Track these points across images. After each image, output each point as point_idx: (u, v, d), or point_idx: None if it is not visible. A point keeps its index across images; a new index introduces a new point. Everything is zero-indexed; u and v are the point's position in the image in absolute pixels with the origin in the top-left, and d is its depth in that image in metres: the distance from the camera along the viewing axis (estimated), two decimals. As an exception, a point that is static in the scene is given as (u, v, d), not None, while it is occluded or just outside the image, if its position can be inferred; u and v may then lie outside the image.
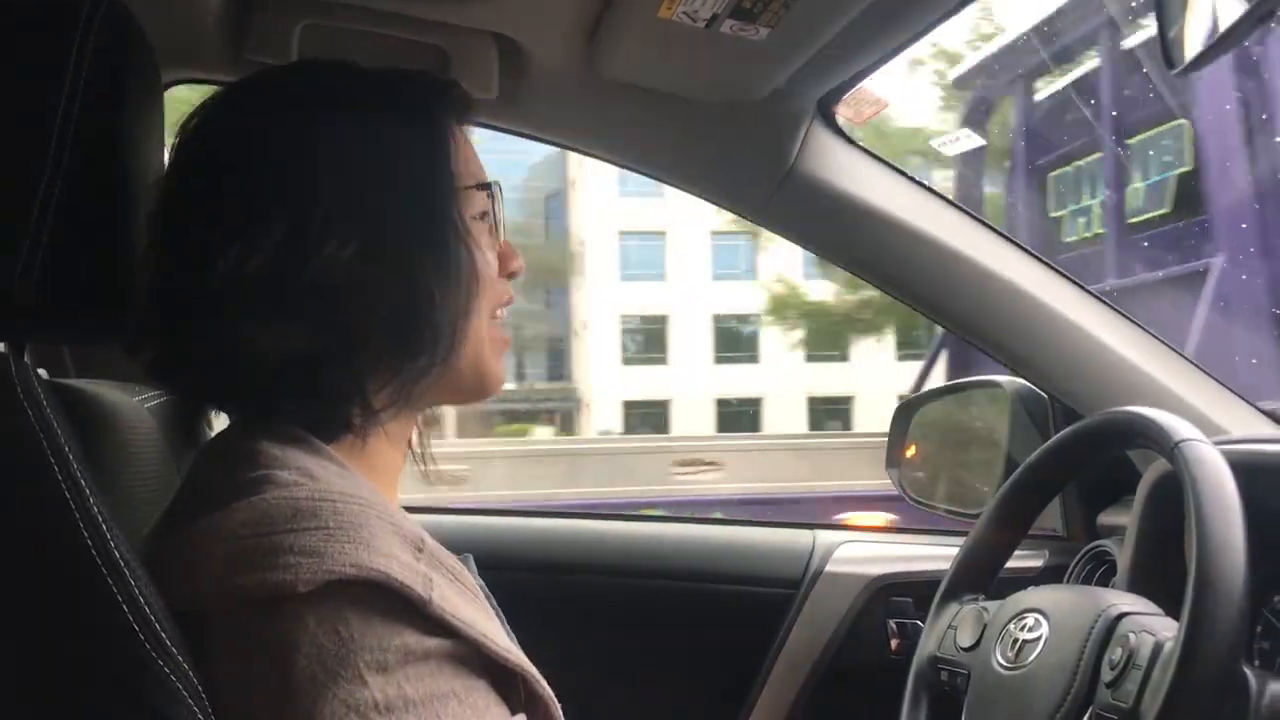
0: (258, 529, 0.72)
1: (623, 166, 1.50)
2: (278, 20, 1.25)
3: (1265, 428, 1.48)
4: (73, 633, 0.70)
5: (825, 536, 1.71)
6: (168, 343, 0.85)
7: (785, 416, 22.90)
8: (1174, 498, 0.99)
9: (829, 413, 23.49)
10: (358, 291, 0.81)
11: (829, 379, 23.14)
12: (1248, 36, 0.80)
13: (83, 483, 0.70)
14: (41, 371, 1.21)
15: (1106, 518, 1.54)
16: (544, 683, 0.81)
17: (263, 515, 0.73)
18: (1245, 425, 1.47)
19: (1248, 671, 0.93)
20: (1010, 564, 1.30)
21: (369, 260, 0.81)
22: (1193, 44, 0.87)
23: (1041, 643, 1.06)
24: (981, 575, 1.27)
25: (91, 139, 0.80)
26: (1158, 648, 0.95)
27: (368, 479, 0.84)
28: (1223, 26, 0.82)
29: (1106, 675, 0.98)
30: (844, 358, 22.38)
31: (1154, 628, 0.98)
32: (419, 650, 0.71)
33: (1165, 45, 0.88)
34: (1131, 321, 1.53)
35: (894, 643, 1.61)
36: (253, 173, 0.83)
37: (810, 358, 22.23)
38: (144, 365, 0.87)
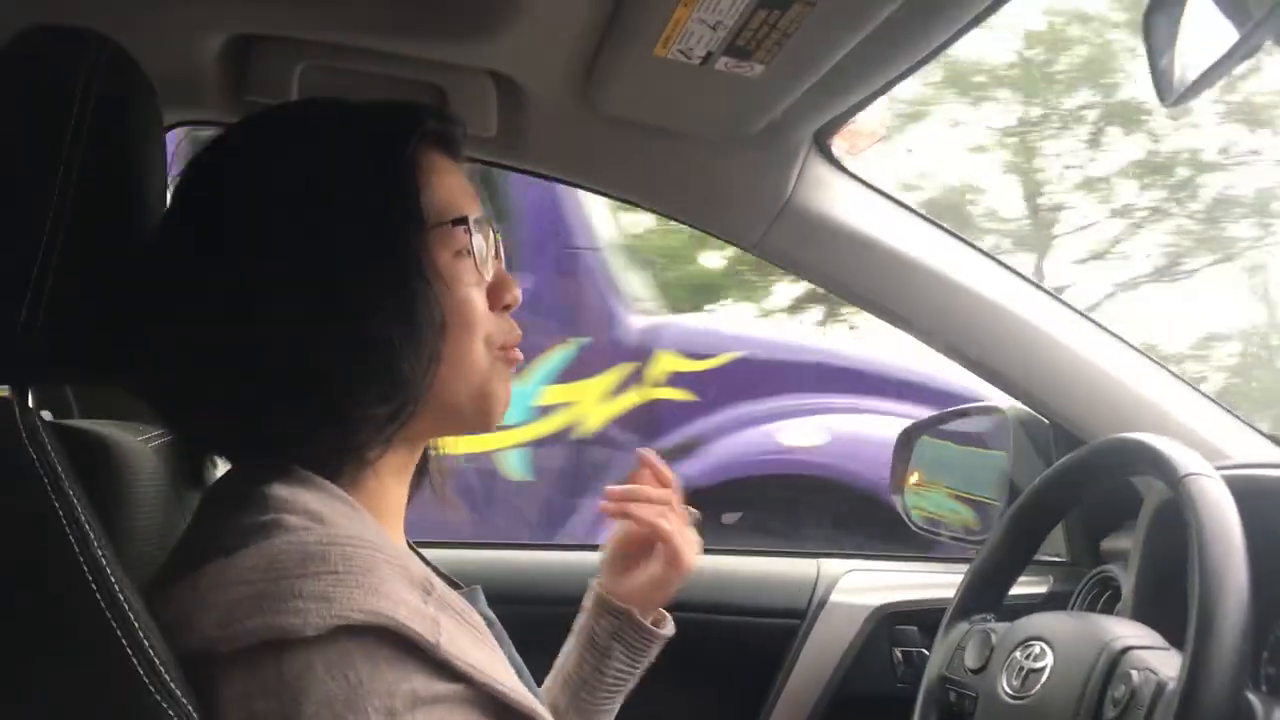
0: (267, 574, 0.71)
1: (620, 200, 1.51)
2: (277, 62, 1.26)
3: (1266, 450, 1.48)
4: (78, 679, 0.70)
5: (829, 565, 1.70)
6: (155, 382, 0.85)
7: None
8: (1177, 525, 0.99)
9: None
10: (316, 337, 0.80)
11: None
12: (1238, 65, 0.80)
13: (87, 527, 0.71)
14: (46, 414, 1.22)
15: (1110, 543, 1.54)
16: None
17: (272, 560, 0.72)
18: (1245, 448, 1.47)
19: (1253, 698, 0.93)
20: (1015, 590, 1.30)
21: (325, 304, 0.80)
22: (1183, 75, 0.87)
23: (1047, 673, 1.06)
24: (990, 596, 1.28)
25: (94, 182, 0.80)
26: (1160, 688, 0.95)
27: (372, 512, 0.83)
28: (1214, 57, 0.82)
29: (1109, 712, 0.98)
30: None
31: (1157, 666, 0.98)
32: (427, 695, 0.71)
33: (1156, 77, 0.88)
34: (1130, 346, 1.53)
35: (899, 670, 1.61)
36: (217, 217, 0.84)
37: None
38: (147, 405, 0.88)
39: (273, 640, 0.70)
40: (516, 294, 0.92)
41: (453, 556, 1.74)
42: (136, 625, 0.70)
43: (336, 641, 0.70)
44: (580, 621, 1.15)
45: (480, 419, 0.90)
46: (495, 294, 0.91)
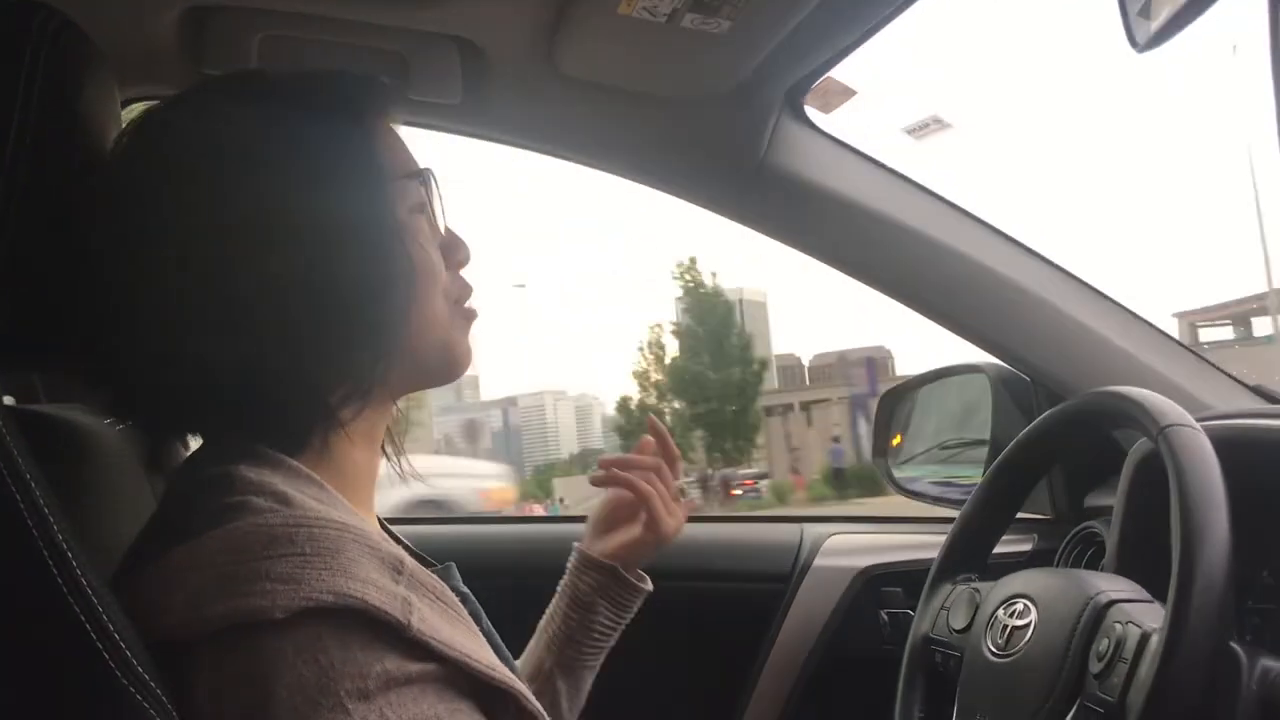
0: (233, 556, 0.71)
1: (592, 167, 1.48)
2: (235, 33, 1.24)
3: (1250, 402, 1.48)
4: (43, 665, 0.68)
5: (813, 529, 1.70)
6: (114, 367, 0.84)
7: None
8: (1159, 478, 0.98)
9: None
10: (291, 298, 0.80)
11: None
12: (1206, 10, 0.79)
13: (46, 511, 0.69)
14: (9, 399, 1.20)
15: (1094, 499, 1.54)
16: (533, 699, 0.80)
17: (238, 542, 0.71)
18: (1230, 399, 1.47)
19: (1238, 648, 0.92)
20: (999, 548, 1.30)
21: (300, 266, 0.80)
22: (1154, 21, 0.86)
23: (1031, 630, 1.06)
24: (973, 555, 1.28)
25: (47, 161, 0.79)
26: (1144, 640, 0.95)
27: (342, 489, 0.83)
28: (1177, 5, 0.81)
29: (1094, 666, 0.98)
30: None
31: (1140, 618, 0.98)
32: (400, 675, 0.70)
33: (1127, 24, 0.87)
34: (1110, 300, 1.53)
35: (885, 631, 1.61)
36: (174, 188, 0.82)
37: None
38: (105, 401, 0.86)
39: (241, 624, 0.69)
40: (467, 251, 0.95)
41: (425, 532, 1.74)
42: (101, 610, 0.68)
43: (306, 624, 0.69)
44: (564, 581, 1.21)
45: (445, 370, 0.92)
46: (449, 251, 0.93)
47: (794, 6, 1.11)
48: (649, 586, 1.21)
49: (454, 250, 0.93)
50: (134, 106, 1.34)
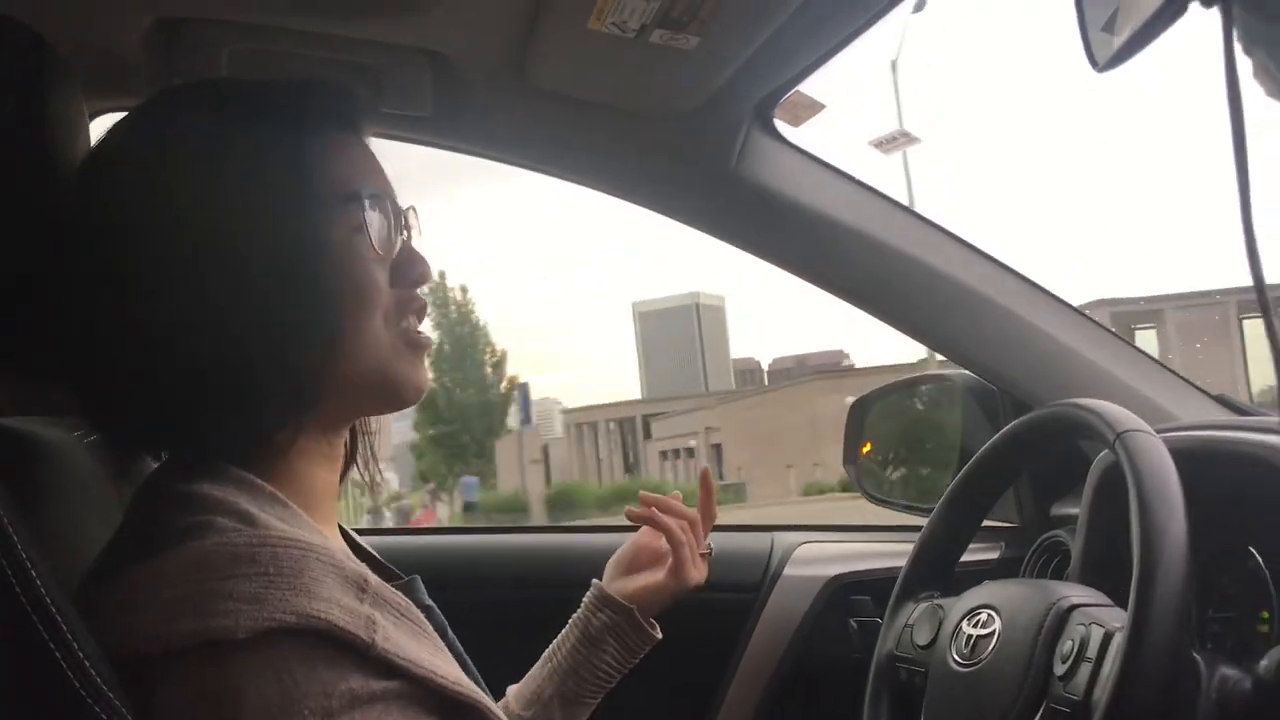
0: (197, 575, 0.71)
1: (563, 179, 1.49)
2: (205, 46, 1.23)
3: (1213, 411, 1.50)
4: (5, 680, 0.68)
5: (784, 538, 1.71)
6: (75, 377, 0.84)
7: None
8: (1122, 487, 1.00)
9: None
10: (225, 317, 0.80)
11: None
12: (1163, 31, 0.80)
13: (6, 524, 0.69)
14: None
15: (1060, 507, 1.56)
16: (497, 711, 0.80)
17: (200, 562, 0.72)
18: (1196, 410, 1.49)
19: (1197, 656, 0.94)
20: (966, 557, 1.31)
21: (229, 284, 0.80)
22: (1118, 37, 0.87)
23: (995, 638, 1.07)
24: (936, 572, 1.28)
25: (11, 170, 0.79)
26: (1107, 638, 0.96)
27: (305, 505, 0.83)
28: (1141, 20, 0.82)
29: (1059, 668, 0.99)
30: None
31: (1104, 619, 0.99)
32: (365, 694, 0.71)
33: (1087, 42, 0.88)
34: (1078, 312, 1.55)
35: (855, 640, 1.61)
36: (111, 202, 0.83)
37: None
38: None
39: (206, 643, 0.69)
40: (425, 269, 0.91)
41: (393, 544, 1.74)
42: (64, 626, 0.68)
43: (271, 644, 0.69)
44: (578, 615, 1.21)
45: (388, 398, 0.90)
46: (399, 270, 0.90)
47: (761, 23, 1.12)
48: (659, 635, 1.21)
49: (407, 267, 0.90)
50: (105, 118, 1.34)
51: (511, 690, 1.20)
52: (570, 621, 1.21)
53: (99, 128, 1.07)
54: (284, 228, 0.82)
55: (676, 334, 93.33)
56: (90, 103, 1.08)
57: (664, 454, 44.36)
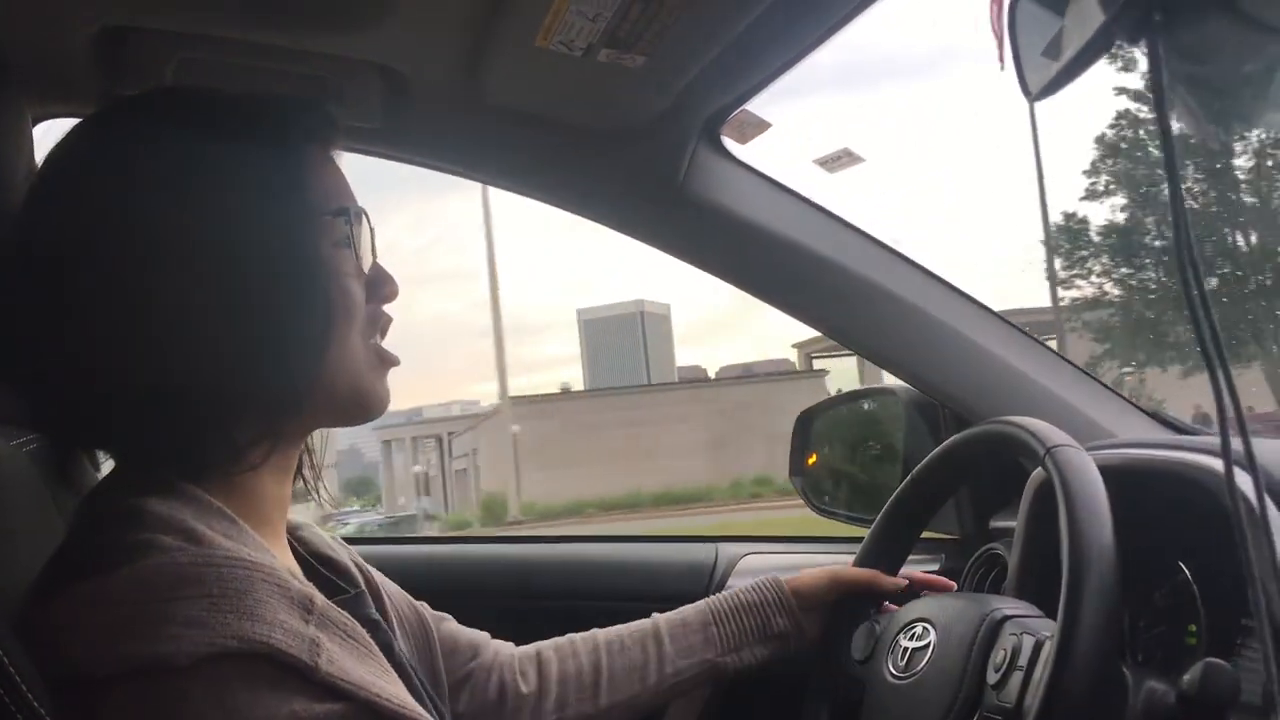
0: (140, 596, 0.70)
1: (513, 191, 1.50)
2: (152, 55, 1.22)
3: (1145, 426, 1.53)
4: None
5: (728, 549, 1.72)
6: (25, 378, 0.83)
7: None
8: (1054, 502, 1.02)
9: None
10: (206, 327, 0.80)
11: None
12: (1093, 64, 0.82)
13: None
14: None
15: (999, 521, 1.57)
16: None
17: (145, 581, 0.71)
18: (1133, 428, 1.51)
19: (1125, 670, 0.96)
20: (905, 569, 1.33)
21: (214, 296, 0.80)
22: (1057, 63, 0.89)
23: (930, 650, 1.09)
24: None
25: None
26: (1038, 647, 0.98)
27: (253, 521, 0.82)
28: (1075, 49, 0.84)
29: (991, 677, 1.01)
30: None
31: (1035, 629, 1.02)
32: (308, 717, 0.71)
33: (1021, 70, 0.90)
34: (1015, 328, 1.57)
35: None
36: (91, 209, 0.81)
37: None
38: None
39: (149, 667, 0.69)
40: (394, 286, 0.93)
41: (394, 553, 1.73)
42: None
43: (215, 667, 0.69)
44: (745, 597, 1.30)
45: (356, 412, 0.90)
46: (375, 285, 0.91)
47: (707, 44, 1.14)
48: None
49: (381, 284, 0.92)
50: (47, 124, 1.33)
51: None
52: (744, 605, 1.28)
53: (41, 134, 1.07)
54: (279, 241, 0.82)
55: (620, 341, 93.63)
56: (32, 108, 1.08)
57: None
